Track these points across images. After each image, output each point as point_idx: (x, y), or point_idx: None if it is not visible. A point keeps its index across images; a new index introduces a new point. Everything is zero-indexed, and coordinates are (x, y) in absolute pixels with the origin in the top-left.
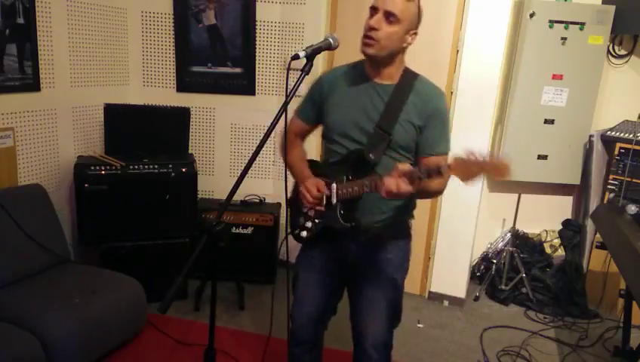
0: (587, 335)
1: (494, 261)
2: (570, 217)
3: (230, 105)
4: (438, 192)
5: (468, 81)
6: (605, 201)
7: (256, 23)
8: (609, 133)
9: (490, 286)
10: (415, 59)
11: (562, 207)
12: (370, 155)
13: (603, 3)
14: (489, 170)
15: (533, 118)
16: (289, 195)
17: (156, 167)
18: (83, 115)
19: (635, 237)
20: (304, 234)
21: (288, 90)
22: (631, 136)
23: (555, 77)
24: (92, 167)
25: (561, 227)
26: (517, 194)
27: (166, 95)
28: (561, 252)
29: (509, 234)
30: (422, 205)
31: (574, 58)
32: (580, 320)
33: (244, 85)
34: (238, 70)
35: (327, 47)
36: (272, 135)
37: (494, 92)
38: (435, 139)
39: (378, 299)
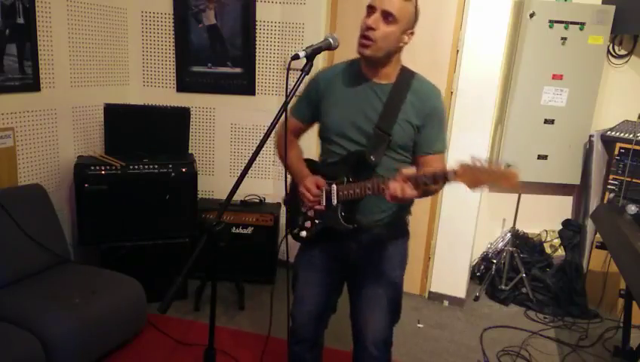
0: (587, 335)
1: (494, 261)
2: (570, 217)
3: (230, 105)
4: (436, 192)
5: (468, 81)
6: (605, 201)
7: (256, 23)
8: (609, 133)
9: (490, 286)
10: (415, 59)
11: (562, 207)
12: (372, 157)
13: (603, 3)
14: (498, 179)
15: (533, 118)
16: (286, 194)
17: (156, 167)
18: (83, 115)
19: (635, 237)
20: (303, 234)
21: (288, 90)
22: (631, 136)
23: (555, 77)
24: (92, 167)
25: (561, 227)
26: (517, 194)
27: (166, 95)
28: (561, 252)
29: (509, 234)
30: (422, 205)
31: (574, 58)
32: (580, 320)
33: (244, 85)
34: (238, 70)
35: (327, 47)
36: (272, 135)
37: (494, 92)
38: (433, 138)
39: (378, 297)
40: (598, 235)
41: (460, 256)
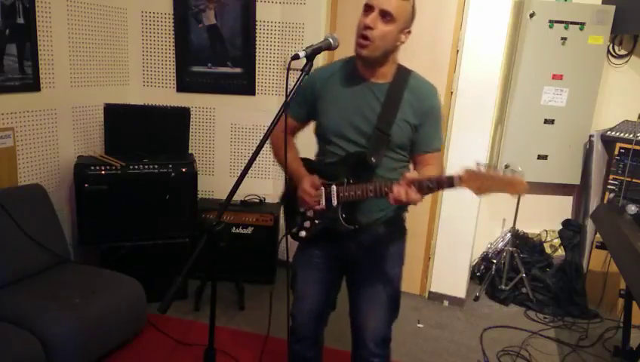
0: (587, 335)
1: (494, 261)
2: (570, 217)
3: (230, 105)
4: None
5: (468, 81)
6: (605, 201)
7: (256, 23)
8: (609, 133)
9: (490, 286)
10: (415, 59)
11: (562, 207)
12: (373, 159)
13: (603, 3)
14: (505, 186)
15: (533, 118)
16: (282, 193)
17: (156, 167)
18: (83, 115)
19: (635, 237)
20: (303, 233)
21: (288, 90)
22: (631, 136)
23: (555, 77)
24: (92, 167)
25: (561, 227)
26: (517, 194)
27: (166, 95)
28: (561, 252)
29: (509, 234)
30: (422, 205)
31: (574, 58)
32: (580, 320)
33: (244, 85)
34: (238, 70)
35: (327, 47)
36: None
37: (494, 92)
38: (431, 137)
39: (378, 295)
40: (598, 235)
41: (459, 256)
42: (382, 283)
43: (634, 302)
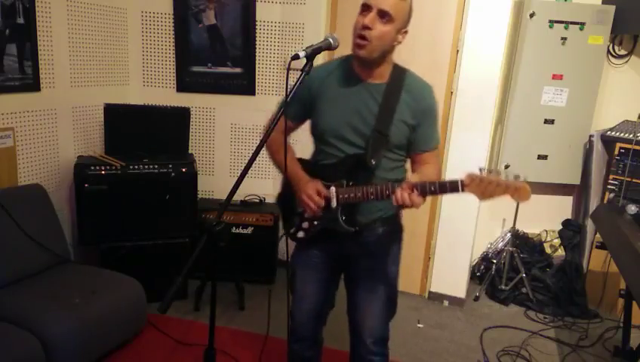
0: (587, 335)
1: (494, 261)
2: (570, 217)
3: (230, 105)
4: None
5: (468, 81)
6: (605, 201)
7: (256, 23)
8: (609, 133)
9: (490, 286)
10: (415, 59)
11: (562, 207)
12: (372, 161)
13: (603, 3)
14: (510, 192)
15: (533, 118)
16: (279, 193)
17: (156, 167)
18: (83, 115)
19: (635, 237)
20: (301, 234)
21: (288, 90)
22: (631, 136)
23: (555, 77)
24: (92, 167)
25: (561, 227)
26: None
27: (166, 95)
28: (561, 252)
29: (509, 234)
30: (422, 205)
31: (574, 58)
32: (580, 320)
33: (244, 85)
34: (238, 70)
35: (327, 47)
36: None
37: (494, 92)
38: (429, 136)
39: (376, 294)
40: (598, 235)
41: (460, 256)
42: (380, 282)
43: (634, 302)
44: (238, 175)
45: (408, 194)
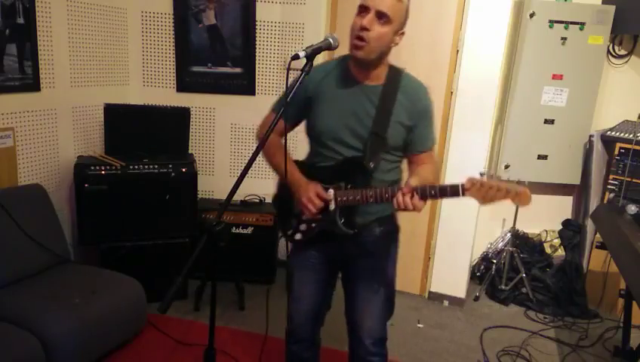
0: (587, 335)
1: (494, 261)
2: (570, 217)
3: (230, 105)
4: None
5: (468, 81)
6: (605, 201)
7: (256, 23)
8: (609, 133)
9: (490, 286)
10: (415, 59)
11: (562, 207)
12: (371, 164)
13: (603, 3)
14: (510, 197)
15: (533, 118)
16: (275, 194)
17: (156, 167)
18: (83, 115)
19: (635, 237)
20: (299, 236)
21: (288, 91)
22: (631, 136)
23: (555, 77)
24: (92, 167)
25: (561, 227)
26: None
27: (166, 95)
28: (561, 252)
29: (509, 234)
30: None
31: (574, 58)
32: (580, 320)
33: (244, 85)
34: (238, 70)
35: (327, 47)
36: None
37: (494, 92)
38: (425, 137)
39: (374, 294)
40: (598, 235)
41: (460, 256)
42: (379, 282)
43: (634, 302)
44: (238, 175)
45: (409, 198)
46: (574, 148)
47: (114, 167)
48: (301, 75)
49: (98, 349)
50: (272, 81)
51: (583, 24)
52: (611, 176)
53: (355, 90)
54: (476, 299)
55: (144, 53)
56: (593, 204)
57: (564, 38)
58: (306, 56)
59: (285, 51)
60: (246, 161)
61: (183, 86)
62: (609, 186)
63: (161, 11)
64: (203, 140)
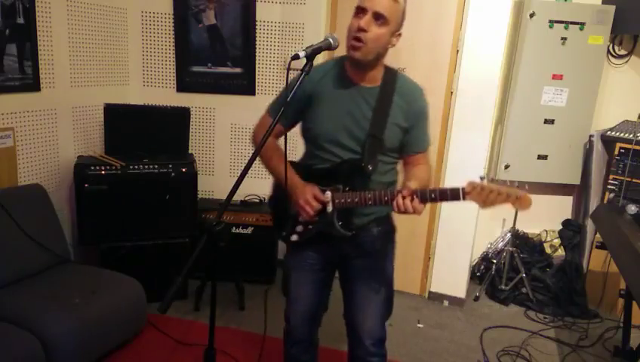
0: (587, 335)
1: (494, 261)
2: (570, 217)
3: (230, 105)
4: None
5: (468, 81)
6: (605, 201)
7: (256, 23)
8: (609, 133)
9: (490, 286)
10: (415, 59)
11: (562, 207)
12: (369, 167)
13: (603, 3)
14: (511, 201)
15: (533, 118)
16: (270, 196)
17: (156, 167)
18: (83, 115)
19: (635, 237)
20: (295, 237)
21: (287, 91)
22: (631, 136)
23: (555, 77)
24: (92, 167)
25: (561, 227)
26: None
27: (166, 95)
28: (561, 252)
29: (509, 234)
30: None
31: (574, 58)
32: (580, 320)
33: (244, 85)
34: (238, 70)
35: (327, 47)
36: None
37: (494, 92)
38: (421, 138)
39: (374, 295)
40: (598, 235)
41: (460, 256)
42: (379, 282)
43: (634, 302)
44: (238, 175)
45: (409, 201)
46: (574, 148)
47: (114, 167)
48: (301, 75)
49: (98, 349)
50: (272, 81)
51: (583, 24)
52: (611, 176)
53: (351, 92)
54: (476, 299)
55: (144, 53)
56: (593, 203)
57: (564, 38)
58: (306, 56)
59: (285, 51)
60: (246, 161)
61: (183, 86)
62: (609, 186)
63: (161, 11)
64: (203, 140)
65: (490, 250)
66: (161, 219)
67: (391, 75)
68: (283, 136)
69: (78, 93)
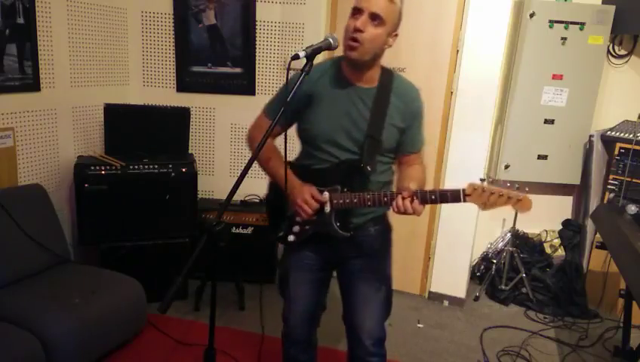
0: (587, 335)
1: (494, 261)
2: (570, 217)
3: (230, 105)
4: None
5: (468, 81)
6: (605, 201)
7: (256, 23)
8: (609, 133)
9: (490, 286)
10: (415, 59)
11: (562, 207)
12: (368, 168)
13: (603, 3)
14: (511, 203)
15: (533, 118)
16: (265, 196)
17: (156, 167)
18: (83, 115)
19: (635, 237)
20: (292, 238)
21: (287, 91)
22: (631, 136)
23: (555, 77)
24: (92, 167)
25: (561, 227)
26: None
27: (166, 95)
28: (561, 252)
29: (509, 234)
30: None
31: (574, 58)
32: (580, 320)
33: (244, 85)
34: (238, 70)
35: (327, 47)
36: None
37: (494, 92)
38: (416, 138)
39: (373, 295)
40: (598, 235)
41: (459, 256)
42: (378, 282)
43: (634, 302)
44: (238, 175)
45: (409, 202)
46: (574, 148)
47: (114, 167)
48: (301, 75)
49: (98, 349)
50: (272, 81)
51: (583, 24)
52: (611, 176)
53: (348, 92)
54: (476, 299)
55: (144, 53)
56: (593, 203)
57: (564, 38)
58: (306, 56)
59: (285, 51)
60: (246, 161)
61: (183, 86)
62: (609, 186)
63: (161, 11)
64: (203, 140)
65: (490, 250)
66: (161, 219)
67: (387, 75)
68: (281, 137)
69: (78, 93)
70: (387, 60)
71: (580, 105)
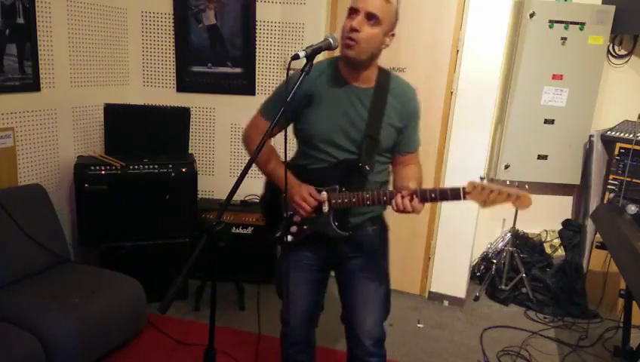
0: (587, 335)
1: (494, 261)
2: (570, 217)
3: (230, 105)
4: None
5: (468, 81)
6: (605, 201)
7: (256, 23)
8: (609, 133)
9: (490, 286)
10: (415, 59)
11: (562, 207)
12: (367, 167)
13: (603, 3)
14: (511, 200)
15: (533, 118)
16: (262, 196)
17: (156, 167)
18: (83, 115)
19: (635, 237)
20: (289, 238)
21: (287, 91)
22: (631, 136)
23: (555, 77)
24: (92, 167)
25: (561, 227)
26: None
27: (166, 95)
28: (561, 252)
29: (509, 234)
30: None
31: (574, 58)
32: (580, 320)
33: (244, 85)
34: (238, 70)
35: (327, 47)
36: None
37: (494, 92)
38: (412, 138)
39: (374, 294)
40: (598, 235)
41: (460, 256)
42: (377, 282)
43: (634, 302)
44: (238, 175)
45: (409, 200)
46: (574, 148)
47: (114, 167)
48: (300, 74)
49: (98, 349)
50: (272, 81)
51: (583, 24)
52: (611, 176)
53: (345, 92)
54: (476, 299)
55: (144, 53)
56: (593, 203)
57: (564, 38)
58: (306, 56)
59: (285, 51)
60: (246, 161)
61: (183, 86)
62: (609, 186)
63: (161, 11)
64: (203, 140)
65: (490, 250)
66: (161, 219)
67: (384, 75)
68: (279, 136)
69: (78, 93)
70: (387, 60)
71: (580, 105)
